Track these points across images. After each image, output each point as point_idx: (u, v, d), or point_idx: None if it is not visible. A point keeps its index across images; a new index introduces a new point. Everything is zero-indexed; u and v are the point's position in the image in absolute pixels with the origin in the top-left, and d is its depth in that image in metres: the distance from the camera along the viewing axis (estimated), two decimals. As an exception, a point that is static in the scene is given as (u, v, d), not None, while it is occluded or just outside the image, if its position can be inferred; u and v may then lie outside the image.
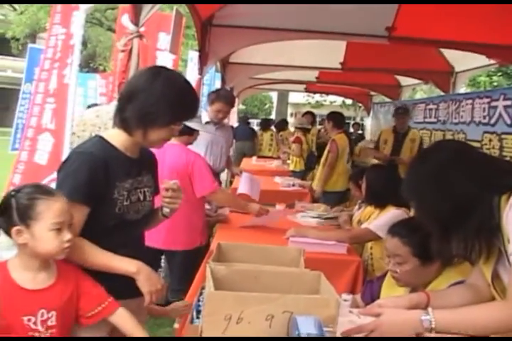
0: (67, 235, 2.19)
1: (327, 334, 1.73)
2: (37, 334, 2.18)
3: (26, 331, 2.16)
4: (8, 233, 2.18)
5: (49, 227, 2.16)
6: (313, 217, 5.39)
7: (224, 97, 6.25)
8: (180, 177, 4.54)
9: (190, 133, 4.71)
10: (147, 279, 2.42)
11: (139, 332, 2.35)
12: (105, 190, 2.43)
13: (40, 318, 2.18)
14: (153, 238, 4.24)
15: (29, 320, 2.16)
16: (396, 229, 2.88)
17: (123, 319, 2.36)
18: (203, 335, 1.87)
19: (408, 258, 2.74)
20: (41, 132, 4.03)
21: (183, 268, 4.70)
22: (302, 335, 1.68)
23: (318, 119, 13.47)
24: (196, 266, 4.54)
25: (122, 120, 2.54)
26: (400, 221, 3.08)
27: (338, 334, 1.90)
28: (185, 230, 4.65)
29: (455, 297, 2.25)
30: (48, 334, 2.19)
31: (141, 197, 2.63)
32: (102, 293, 2.37)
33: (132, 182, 2.57)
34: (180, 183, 4.55)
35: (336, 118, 8.53)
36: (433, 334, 1.97)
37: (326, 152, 8.35)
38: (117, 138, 2.56)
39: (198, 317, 2.63)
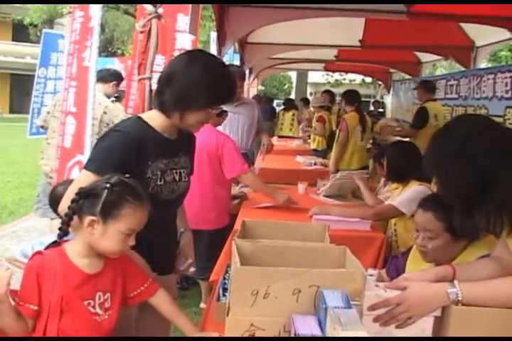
0: (132, 241, 2.21)
1: (354, 308, 1.74)
2: (97, 318, 2.20)
3: (88, 316, 2.18)
4: (80, 217, 2.18)
5: (123, 231, 2.16)
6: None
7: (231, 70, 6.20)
8: (210, 158, 4.59)
9: (219, 115, 4.73)
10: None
11: (177, 313, 2.38)
12: (138, 169, 2.47)
13: (98, 301, 2.21)
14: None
15: (89, 303, 2.18)
16: (429, 203, 2.87)
17: (163, 300, 2.39)
18: (231, 311, 1.89)
19: (440, 233, 2.74)
20: (67, 115, 4.05)
21: (210, 246, 4.74)
22: (329, 308, 1.69)
23: (338, 98, 13.36)
24: (222, 244, 4.59)
25: (160, 102, 2.59)
26: (431, 195, 3.07)
27: (364, 308, 1.91)
28: (215, 210, 4.73)
29: (481, 270, 2.24)
30: (106, 317, 2.22)
31: (177, 178, 2.67)
32: (145, 273, 2.40)
33: (167, 163, 2.61)
34: (211, 164, 4.58)
35: (347, 96, 8.47)
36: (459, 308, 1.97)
37: (337, 131, 8.32)
38: (155, 119, 2.61)
39: (224, 295, 2.65)
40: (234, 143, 4.77)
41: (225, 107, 5.98)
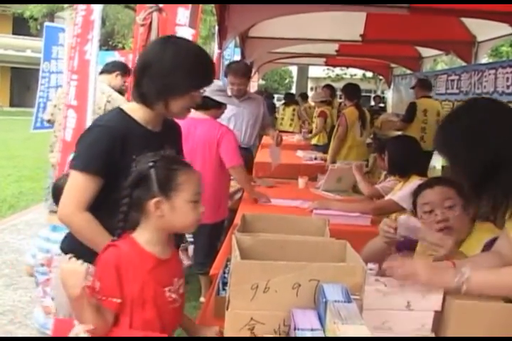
0: (202, 207, 2.18)
1: (354, 302, 1.74)
2: (175, 305, 2.20)
3: (169, 302, 2.17)
4: (141, 207, 2.15)
5: (190, 198, 2.13)
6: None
7: (234, 70, 6.15)
8: (212, 151, 4.59)
9: (218, 107, 4.72)
10: None
11: None
12: (122, 163, 2.41)
13: (175, 287, 2.20)
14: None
15: (170, 290, 2.17)
16: (431, 181, 2.94)
17: None
18: (230, 305, 1.89)
19: (457, 199, 2.75)
20: (68, 109, 4.05)
21: (209, 241, 4.75)
22: (329, 303, 1.68)
23: (338, 93, 13.35)
24: (220, 239, 4.60)
25: (140, 95, 2.54)
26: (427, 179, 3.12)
27: (364, 303, 1.91)
28: (216, 203, 4.71)
29: (481, 265, 2.23)
30: (178, 304, 2.22)
31: None
32: None
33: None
34: (211, 157, 4.58)
35: (347, 91, 8.52)
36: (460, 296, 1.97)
37: (336, 125, 8.36)
38: (138, 111, 2.57)
39: (224, 289, 2.65)
40: (235, 135, 4.77)
41: (231, 102, 6.00)
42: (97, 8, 3.72)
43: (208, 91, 4.53)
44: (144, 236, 2.18)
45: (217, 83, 4.85)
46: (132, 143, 2.47)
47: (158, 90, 2.47)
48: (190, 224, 2.20)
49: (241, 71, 6.18)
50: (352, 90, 8.49)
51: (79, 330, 1.95)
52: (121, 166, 2.41)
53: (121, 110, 2.59)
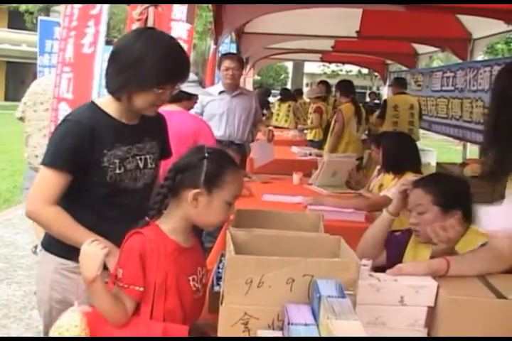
0: (233, 209, 2.19)
1: (348, 297, 1.75)
2: (197, 294, 2.19)
3: (192, 292, 2.16)
4: (178, 193, 2.14)
5: (228, 200, 2.13)
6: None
7: (229, 55, 6.29)
8: (186, 144, 4.55)
9: (188, 98, 4.63)
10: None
11: None
12: (92, 159, 2.39)
13: (199, 276, 2.20)
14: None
15: (193, 279, 2.16)
16: (419, 181, 2.95)
17: None
18: (225, 300, 1.89)
19: (429, 207, 2.78)
20: (59, 102, 4.03)
21: (200, 238, 4.74)
22: (323, 298, 1.69)
23: (334, 89, 13.37)
24: (215, 235, 4.59)
25: (106, 85, 2.46)
26: (422, 176, 3.13)
27: (358, 298, 1.91)
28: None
29: (475, 263, 2.23)
30: (201, 294, 2.22)
31: (141, 165, 2.55)
32: None
33: (128, 150, 2.49)
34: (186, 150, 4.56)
35: (343, 87, 8.60)
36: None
37: (333, 121, 8.40)
38: (109, 104, 2.49)
39: (218, 284, 2.66)
40: (210, 128, 4.69)
41: (222, 97, 5.97)
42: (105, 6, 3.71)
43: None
44: (169, 224, 2.16)
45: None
46: (103, 137, 2.41)
47: (121, 82, 2.38)
48: (215, 223, 2.21)
49: (236, 56, 6.37)
50: (347, 86, 8.54)
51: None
52: (91, 161, 2.39)
53: (93, 104, 2.52)
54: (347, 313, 1.63)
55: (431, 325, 2.04)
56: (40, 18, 11.09)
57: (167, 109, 4.53)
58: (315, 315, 1.75)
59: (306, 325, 1.70)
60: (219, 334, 1.89)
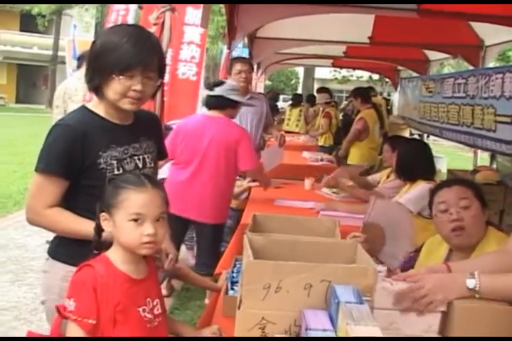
0: (148, 229, 2.08)
1: (366, 303, 1.75)
2: (155, 324, 2.16)
3: (143, 323, 2.13)
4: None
5: (127, 217, 2.08)
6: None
7: (240, 59, 6.39)
8: (226, 151, 4.57)
9: (233, 106, 4.69)
10: None
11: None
12: (88, 161, 2.38)
13: (149, 306, 2.16)
14: (183, 207, 4.34)
15: (144, 310, 2.13)
16: (450, 181, 3.00)
17: None
18: (243, 304, 1.90)
19: (473, 200, 2.75)
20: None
21: (213, 242, 4.74)
22: (341, 303, 1.69)
23: (344, 95, 13.37)
24: (224, 240, 4.62)
25: (87, 85, 2.47)
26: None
27: (375, 303, 1.92)
28: (222, 204, 4.72)
29: (480, 268, 2.19)
30: (156, 323, 2.17)
31: (140, 165, 2.54)
32: None
33: (125, 150, 2.47)
34: (225, 157, 4.55)
35: (362, 93, 8.55)
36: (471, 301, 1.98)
37: (352, 128, 8.37)
38: (98, 105, 2.49)
39: (232, 289, 2.67)
40: (250, 136, 4.78)
41: (246, 102, 5.98)
42: (132, 9, 3.76)
43: (222, 90, 4.56)
44: (115, 254, 2.15)
45: (230, 83, 4.86)
46: (96, 139, 2.40)
47: (89, 76, 2.39)
48: (135, 244, 2.10)
49: (247, 59, 6.53)
50: (366, 93, 8.54)
51: None
52: (87, 163, 2.38)
53: (85, 107, 2.52)
54: (366, 319, 1.63)
55: (444, 331, 2.04)
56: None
57: (209, 114, 4.59)
58: (332, 321, 1.76)
59: (324, 330, 1.71)
60: (236, 339, 1.90)
